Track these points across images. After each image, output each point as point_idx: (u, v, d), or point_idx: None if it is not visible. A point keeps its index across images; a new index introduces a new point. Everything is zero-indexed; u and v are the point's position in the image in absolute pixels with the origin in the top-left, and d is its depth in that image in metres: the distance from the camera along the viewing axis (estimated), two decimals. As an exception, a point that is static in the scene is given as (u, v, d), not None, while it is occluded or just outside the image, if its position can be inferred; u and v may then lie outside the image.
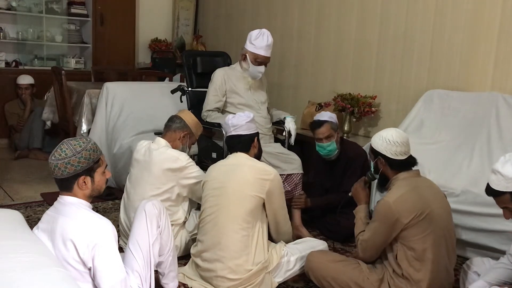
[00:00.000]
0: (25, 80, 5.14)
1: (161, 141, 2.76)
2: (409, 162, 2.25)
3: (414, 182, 2.20)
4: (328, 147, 3.12)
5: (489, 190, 1.95)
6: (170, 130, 2.80)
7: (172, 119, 2.83)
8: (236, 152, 2.53)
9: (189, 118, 2.85)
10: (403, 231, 2.10)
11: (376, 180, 2.49)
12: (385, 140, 2.22)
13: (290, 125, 3.44)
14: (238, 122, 2.54)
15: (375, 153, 2.28)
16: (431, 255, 2.10)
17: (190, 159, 2.72)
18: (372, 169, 2.36)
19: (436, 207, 2.14)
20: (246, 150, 2.53)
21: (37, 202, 3.62)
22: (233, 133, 2.54)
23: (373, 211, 2.36)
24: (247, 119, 2.57)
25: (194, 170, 2.70)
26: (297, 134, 3.58)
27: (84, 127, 4.20)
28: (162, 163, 2.65)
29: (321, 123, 3.10)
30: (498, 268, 2.11)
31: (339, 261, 2.36)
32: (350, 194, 2.55)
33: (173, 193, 2.69)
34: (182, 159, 2.66)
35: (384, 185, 2.31)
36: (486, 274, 2.12)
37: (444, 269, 2.18)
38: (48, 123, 4.94)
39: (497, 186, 1.90)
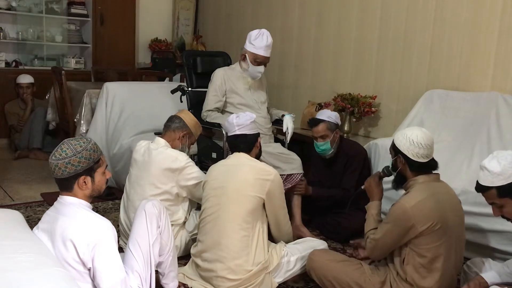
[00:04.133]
0: (26, 79, 5.14)
1: (160, 141, 2.76)
2: (430, 166, 2.18)
3: (433, 188, 2.12)
4: (322, 146, 3.15)
5: (477, 186, 1.99)
6: (170, 130, 2.80)
7: (171, 119, 2.83)
8: (239, 152, 2.53)
9: (189, 118, 2.85)
10: (416, 238, 2.06)
11: (388, 177, 2.42)
12: (409, 140, 2.14)
13: (288, 123, 3.42)
14: (243, 122, 2.55)
15: (396, 150, 2.20)
16: (440, 264, 2.08)
17: (189, 159, 2.72)
18: (390, 166, 2.30)
19: (451, 217, 2.10)
20: (249, 150, 2.54)
21: (37, 202, 3.62)
22: (238, 132, 2.54)
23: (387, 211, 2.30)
24: (251, 119, 2.58)
25: (193, 170, 2.70)
26: (298, 134, 3.57)
27: (83, 127, 4.20)
28: (161, 162, 2.65)
29: (318, 122, 3.13)
30: None
31: (341, 261, 2.35)
32: (362, 188, 2.47)
33: (172, 193, 2.69)
34: (181, 159, 2.66)
35: (400, 184, 2.25)
36: (500, 267, 2.11)
37: (450, 277, 2.16)
38: (53, 123, 4.94)
39: (483, 181, 1.94)
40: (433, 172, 2.20)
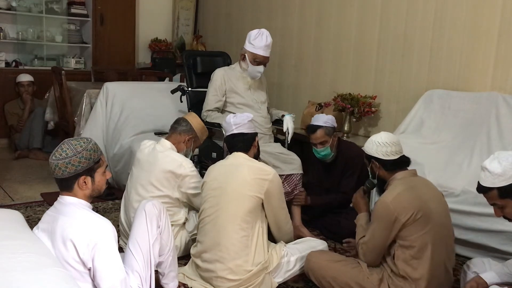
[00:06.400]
0: (26, 77, 5.16)
1: (166, 143, 2.75)
2: (403, 161, 2.28)
3: (410, 182, 2.22)
4: (322, 152, 3.13)
5: (479, 187, 2.00)
6: (176, 132, 2.79)
7: (178, 122, 2.82)
8: (236, 151, 2.52)
9: (196, 122, 2.84)
10: (401, 230, 2.11)
11: (375, 189, 2.50)
12: (375, 143, 2.27)
13: (288, 123, 3.42)
14: (240, 121, 2.55)
15: (368, 158, 2.32)
16: (429, 253, 2.11)
17: (194, 168, 2.71)
18: (370, 176, 2.38)
19: (433, 206, 2.16)
20: (246, 149, 2.53)
21: (37, 202, 3.62)
22: (236, 131, 2.54)
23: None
24: (248, 118, 2.59)
25: (195, 180, 2.68)
26: (297, 134, 3.57)
27: (82, 128, 4.19)
28: (165, 165, 2.64)
29: (315, 128, 3.10)
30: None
31: (339, 260, 2.36)
32: (351, 206, 2.56)
33: (172, 197, 2.68)
34: (185, 166, 2.65)
35: (383, 188, 2.31)
36: (500, 267, 2.12)
37: (443, 267, 2.18)
38: (52, 123, 4.94)
39: (485, 182, 1.95)
40: (408, 168, 2.29)
